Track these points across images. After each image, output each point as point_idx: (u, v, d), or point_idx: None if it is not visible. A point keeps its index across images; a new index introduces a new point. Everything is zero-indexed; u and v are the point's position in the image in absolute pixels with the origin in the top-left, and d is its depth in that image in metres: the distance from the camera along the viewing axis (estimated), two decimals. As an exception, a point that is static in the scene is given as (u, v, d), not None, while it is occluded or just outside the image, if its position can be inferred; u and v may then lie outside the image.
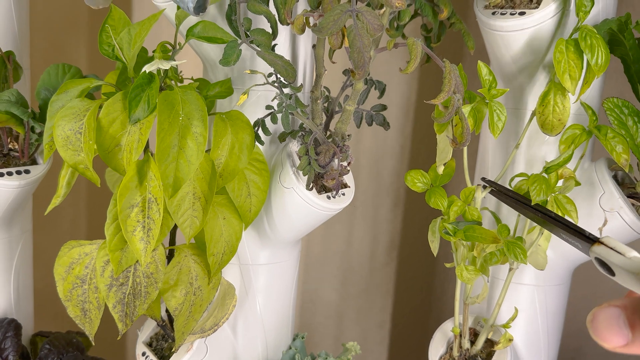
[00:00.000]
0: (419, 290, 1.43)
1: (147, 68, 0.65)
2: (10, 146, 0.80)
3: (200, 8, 0.60)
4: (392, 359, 1.44)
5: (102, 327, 0.75)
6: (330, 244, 1.36)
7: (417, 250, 1.40)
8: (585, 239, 0.45)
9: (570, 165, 0.77)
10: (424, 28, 0.90)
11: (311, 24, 0.69)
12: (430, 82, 1.29)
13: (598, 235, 0.45)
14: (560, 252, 0.84)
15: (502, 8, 0.76)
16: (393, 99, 1.28)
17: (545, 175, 0.75)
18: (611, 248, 0.42)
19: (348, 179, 0.84)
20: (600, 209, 0.80)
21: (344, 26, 0.63)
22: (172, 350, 0.82)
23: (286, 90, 0.74)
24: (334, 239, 1.36)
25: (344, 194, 0.81)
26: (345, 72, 0.82)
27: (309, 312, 1.38)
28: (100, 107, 0.66)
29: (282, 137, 0.82)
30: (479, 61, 0.72)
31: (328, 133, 0.81)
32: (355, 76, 0.65)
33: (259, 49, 0.68)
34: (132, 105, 0.64)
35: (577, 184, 0.76)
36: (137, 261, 0.69)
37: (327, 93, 0.82)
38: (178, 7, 0.69)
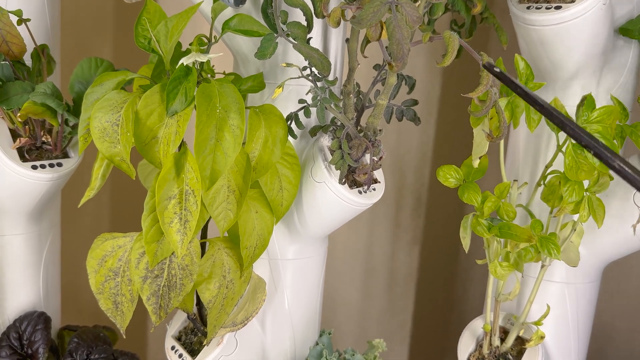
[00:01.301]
0: (440, 289, 1.42)
1: (184, 61, 0.65)
2: (43, 139, 0.80)
3: (240, 0, 0.60)
4: (413, 359, 1.43)
5: (135, 318, 0.75)
6: (352, 243, 1.36)
7: (439, 249, 1.39)
8: None
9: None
10: (454, 23, 0.90)
11: (347, 17, 0.69)
12: (454, 78, 1.28)
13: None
14: (593, 249, 0.83)
15: (537, 2, 0.76)
16: (414, 96, 1.28)
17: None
18: None
19: (378, 174, 0.83)
20: (635, 205, 0.79)
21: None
22: (203, 344, 0.82)
23: (320, 84, 0.74)
24: (355, 238, 1.36)
25: (374, 189, 0.81)
26: (376, 67, 0.82)
27: (330, 310, 1.38)
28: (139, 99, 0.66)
29: (314, 132, 0.81)
30: (516, 54, 0.71)
31: (359, 128, 0.81)
32: (393, 68, 0.64)
33: (295, 42, 0.68)
34: (169, 98, 0.65)
35: (611, 178, 0.75)
36: (172, 253, 0.69)
37: (358, 88, 0.82)
38: (215, 0, 0.69)
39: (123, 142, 0.66)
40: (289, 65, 0.70)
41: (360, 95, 0.82)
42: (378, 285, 1.40)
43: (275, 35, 0.68)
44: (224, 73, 0.78)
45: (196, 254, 0.70)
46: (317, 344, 0.94)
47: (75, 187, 1.12)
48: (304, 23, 0.71)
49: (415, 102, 0.82)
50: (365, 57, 0.79)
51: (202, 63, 0.68)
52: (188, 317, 0.81)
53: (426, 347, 1.44)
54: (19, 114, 0.73)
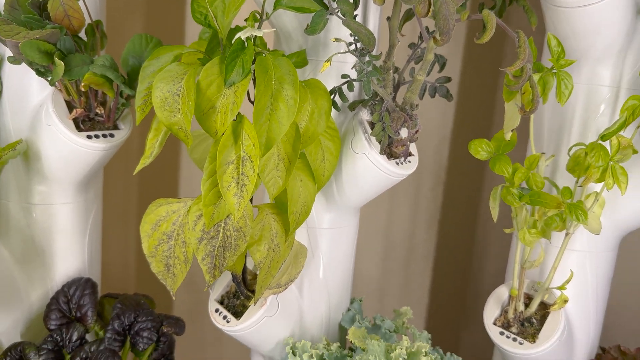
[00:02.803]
0: (457, 267, 1.48)
1: (241, 34, 0.70)
2: (97, 110, 0.85)
3: (299, -23, 0.64)
4: (430, 332, 1.48)
5: (166, 290, 0.79)
6: (372, 222, 1.41)
7: (456, 228, 1.44)
8: None
9: (628, 135, 0.82)
10: (482, 6, 0.94)
11: (391, -4, 0.74)
12: (472, 62, 1.33)
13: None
14: (612, 219, 0.88)
15: (566, -15, 0.80)
16: (433, 78, 1.32)
17: (602, 143, 0.80)
18: None
19: (412, 148, 0.88)
20: (654, 177, 0.84)
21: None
22: (246, 305, 0.87)
23: (364, 59, 0.78)
24: (376, 217, 1.41)
25: (409, 161, 0.86)
26: (411, 45, 0.87)
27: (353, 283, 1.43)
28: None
29: (352, 106, 0.86)
30: (548, 33, 0.76)
31: (395, 103, 0.85)
32: (438, 42, 0.69)
33: (344, 18, 0.72)
34: (228, 70, 0.69)
35: (635, 151, 0.80)
36: (227, 216, 0.73)
37: (395, 65, 0.86)
38: (268, -21, 0.73)
39: (184, 111, 0.70)
40: (337, 40, 0.75)
41: (397, 72, 0.86)
42: (397, 261, 1.45)
43: (326, 11, 0.72)
44: (268, 50, 0.82)
45: (249, 217, 0.74)
46: (349, 309, 0.99)
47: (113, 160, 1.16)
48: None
49: (449, 79, 0.87)
50: (402, 35, 0.83)
51: (255, 37, 0.73)
52: (234, 279, 0.86)
53: (442, 321, 1.50)
54: (82, 84, 0.77)
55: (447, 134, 1.38)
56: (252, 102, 0.71)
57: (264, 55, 0.71)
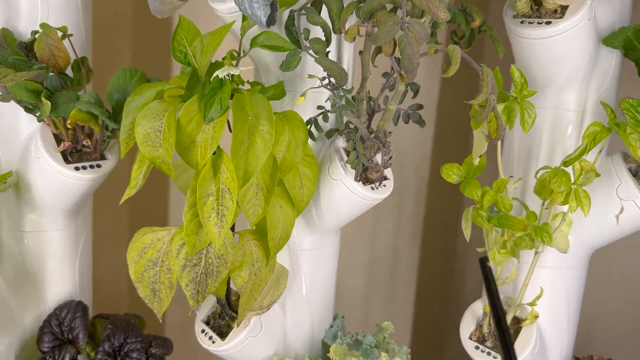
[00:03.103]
0: (440, 279, 1.52)
1: (219, 73, 0.74)
2: (84, 143, 0.88)
3: (271, 21, 0.68)
4: (414, 345, 1.52)
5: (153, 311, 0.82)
6: (357, 237, 1.45)
7: (438, 242, 1.48)
8: None
9: (590, 159, 0.86)
10: (454, 34, 0.99)
11: (361, 34, 0.78)
12: (450, 84, 1.37)
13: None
14: (580, 237, 0.92)
15: (529, 17, 0.84)
16: (409, 103, 1.37)
17: (564, 168, 0.84)
18: None
19: (387, 172, 0.92)
20: (617, 197, 0.88)
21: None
22: (231, 326, 0.91)
23: (337, 92, 0.82)
24: (360, 232, 1.45)
25: (385, 185, 0.90)
26: (384, 74, 0.91)
27: (337, 298, 1.47)
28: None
29: (329, 134, 0.90)
30: (512, 65, 0.80)
31: (370, 130, 0.90)
32: (404, 79, 0.73)
33: (317, 56, 0.76)
34: (207, 107, 0.73)
35: (597, 175, 0.85)
36: (209, 244, 0.77)
37: (368, 94, 0.90)
38: (244, 19, 0.77)
39: (165, 146, 0.74)
40: (311, 76, 0.79)
41: (371, 101, 0.91)
42: (381, 275, 1.49)
43: (299, 50, 0.76)
44: (247, 82, 0.86)
45: (230, 245, 0.78)
46: (331, 326, 1.03)
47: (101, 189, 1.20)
48: (323, 38, 0.80)
49: (421, 107, 0.91)
50: (375, 66, 0.87)
51: (233, 75, 0.77)
52: (218, 302, 0.90)
53: (426, 332, 1.54)
54: (68, 122, 0.81)
55: (427, 151, 1.42)
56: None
57: (241, 92, 0.75)
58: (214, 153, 0.75)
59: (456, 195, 1.43)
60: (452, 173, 0.88)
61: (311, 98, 0.89)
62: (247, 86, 0.85)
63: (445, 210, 1.45)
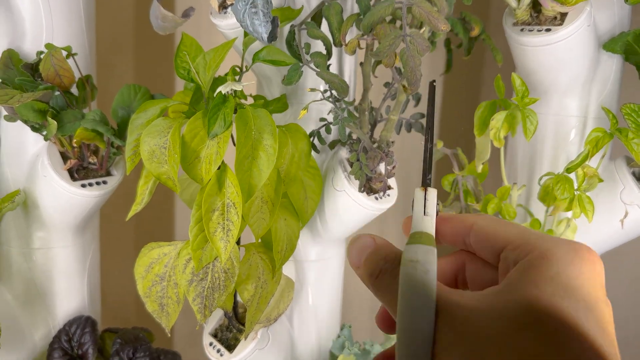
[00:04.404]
0: (447, 284, 1.51)
1: (222, 89, 0.74)
2: (89, 160, 0.89)
3: (272, 37, 0.69)
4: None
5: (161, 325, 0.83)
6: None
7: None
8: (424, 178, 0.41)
9: (593, 164, 0.86)
10: (447, 42, 0.99)
11: (362, 46, 0.79)
12: (455, 90, 1.38)
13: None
14: (585, 242, 0.92)
15: (529, 25, 0.85)
16: (411, 112, 1.37)
17: (567, 175, 0.84)
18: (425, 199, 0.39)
19: (391, 181, 0.93)
20: (621, 202, 0.88)
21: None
22: (239, 339, 0.91)
23: (339, 105, 0.83)
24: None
25: (389, 195, 0.90)
26: (386, 84, 0.92)
27: (343, 308, 1.47)
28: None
29: (332, 146, 0.91)
30: (513, 73, 0.80)
31: (373, 140, 0.90)
32: (407, 91, 0.74)
33: (318, 70, 0.77)
34: (210, 123, 0.74)
35: (600, 180, 0.85)
36: (215, 258, 0.78)
37: (370, 104, 0.91)
38: (245, 35, 0.78)
39: (170, 162, 0.75)
40: (313, 90, 0.79)
41: (373, 112, 0.91)
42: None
43: (300, 64, 0.77)
44: (250, 95, 0.87)
45: (236, 259, 0.79)
46: (338, 336, 1.03)
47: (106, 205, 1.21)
48: (323, 51, 0.80)
49: (423, 116, 0.92)
50: (375, 77, 0.88)
51: (236, 90, 0.78)
52: (225, 315, 0.90)
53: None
54: (74, 140, 0.82)
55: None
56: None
57: (244, 107, 0.76)
58: (218, 168, 0.76)
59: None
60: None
61: (314, 109, 0.90)
62: (250, 100, 0.86)
63: (451, 216, 1.45)
